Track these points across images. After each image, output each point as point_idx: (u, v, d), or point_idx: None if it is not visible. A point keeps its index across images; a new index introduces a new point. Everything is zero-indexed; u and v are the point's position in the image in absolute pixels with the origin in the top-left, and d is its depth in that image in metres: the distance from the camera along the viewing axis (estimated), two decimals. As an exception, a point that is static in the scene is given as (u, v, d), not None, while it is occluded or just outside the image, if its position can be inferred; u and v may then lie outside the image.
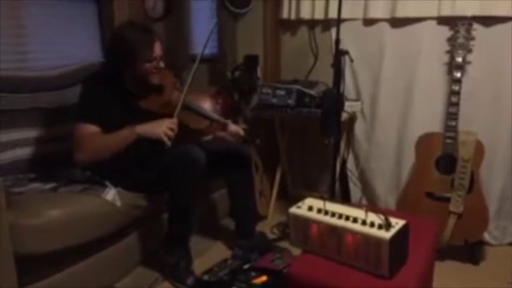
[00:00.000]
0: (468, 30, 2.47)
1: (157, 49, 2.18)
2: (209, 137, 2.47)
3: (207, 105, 2.40)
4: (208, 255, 2.54)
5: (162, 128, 2.10)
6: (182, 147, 2.17)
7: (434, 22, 2.67)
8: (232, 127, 2.39)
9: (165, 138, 2.09)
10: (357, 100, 2.96)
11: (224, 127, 2.38)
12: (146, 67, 2.16)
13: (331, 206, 1.66)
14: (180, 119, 2.21)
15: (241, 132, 2.39)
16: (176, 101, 2.23)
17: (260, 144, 2.50)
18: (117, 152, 2.09)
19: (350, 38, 2.83)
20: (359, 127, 3.02)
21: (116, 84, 2.21)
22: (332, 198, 2.63)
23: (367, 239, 1.51)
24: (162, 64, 2.22)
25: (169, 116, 2.17)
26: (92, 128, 2.09)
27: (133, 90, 2.23)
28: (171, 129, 2.12)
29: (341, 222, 1.58)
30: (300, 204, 1.73)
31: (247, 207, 2.59)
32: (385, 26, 2.82)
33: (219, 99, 2.63)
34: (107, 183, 2.16)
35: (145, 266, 2.35)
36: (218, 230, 2.83)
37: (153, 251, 2.35)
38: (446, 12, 2.58)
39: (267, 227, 2.90)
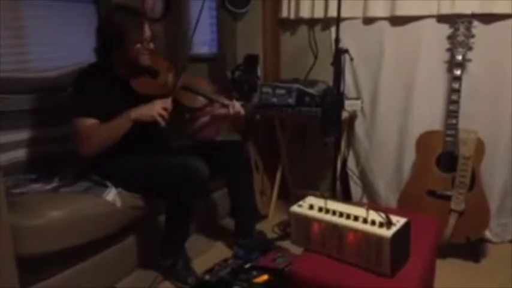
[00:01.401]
0: (468, 28, 2.47)
1: (147, 30, 2.18)
2: (206, 118, 2.43)
3: (204, 86, 2.37)
4: (208, 254, 2.54)
5: (156, 109, 2.08)
6: (185, 159, 2.16)
7: (434, 20, 2.67)
8: (235, 103, 2.33)
9: (160, 119, 2.07)
10: (357, 99, 2.95)
11: (223, 106, 2.33)
12: (136, 48, 2.16)
13: (332, 205, 1.66)
14: (178, 98, 2.20)
15: (242, 111, 2.34)
16: (172, 82, 2.22)
17: (260, 140, 2.47)
18: (117, 140, 2.09)
19: (350, 36, 2.83)
20: (359, 126, 3.02)
21: (109, 72, 2.21)
22: (333, 196, 2.63)
23: (368, 237, 1.50)
24: (151, 45, 2.22)
25: (164, 96, 2.15)
26: (90, 121, 2.09)
27: (126, 74, 2.22)
28: (165, 109, 2.10)
29: (342, 221, 1.58)
30: (301, 203, 1.73)
31: (247, 206, 2.59)
32: (385, 24, 2.82)
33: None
34: (108, 183, 2.16)
35: (145, 267, 2.35)
36: (219, 230, 2.83)
37: (152, 251, 2.35)
38: (446, 10, 2.58)
39: (268, 226, 2.90)
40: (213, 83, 3.21)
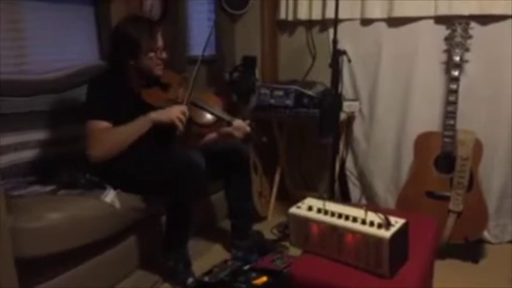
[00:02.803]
0: (465, 29, 2.48)
1: (159, 39, 2.21)
2: (213, 135, 2.45)
3: (211, 102, 2.40)
4: (207, 256, 2.54)
5: (175, 112, 2.14)
6: (183, 153, 2.18)
7: (431, 21, 2.68)
8: (240, 122, 2.38)
9: (178, 123, 2.13)
10: (355, 100, 2.96)
11: (229, 124, 2.37)
12: (149, 57, 2.19)
13: (331, 206, 1.67)
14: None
15: (247, 129, 2.38)
16: (182, 97, 2.26)
17: (266, 142, 2.49)
18: (130, 142, 2.11)
19: (348, 38, 2.84)
20: (357, 127, 3.02)
21: (121, 81, 2.22)
22: (332, 198, 2.63)
23: (367, 238, 1.51)
24: (164, 55, 2.25)
25: None
26: (103, 124, 2.11)
27: (137, 84, 2.24)
28: (183, 113, 2.15)
29: (341, 222, 1.58)
30: (299, 204, 1.73)
31: (245, 208, 2.58)
32: (383, 25, 2.83)
33: (219, 99, 2.63)
34: (106, 185, 2.16)
35: (145, 268, 2.35)
36: (217, 232, 2.83)
37: (152, 253, 2.35)
38: (443, 11, 2.59)
39: (267, 228, 2.90)
40: (211, 84, 3.24)
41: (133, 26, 2.17)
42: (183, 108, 2.18)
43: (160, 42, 2.22)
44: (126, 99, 2.20)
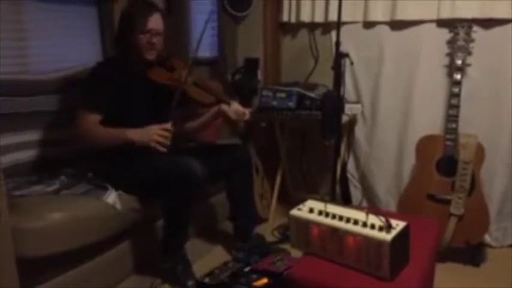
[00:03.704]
0: (468, 33, 2.48)
1: (154, 22, 2.20)
2: (212, 111, 2.47)
3: (214, 85, 2.45)
4: (208, 258, 2.54)
5: (152, 137, 2.07)
6: (183, 160, 2.16)
7: (434, 25, 2.68)
8: (237, 106, 2.39)
9: (157, 145, 2.06)
10: (357, 102, 2.96)
11: (228, 105, 2.40)
12: (139, 38, 2.18)
13: (332, 208, 1.67)
14: (188, 92, 2.25)
15: (247, 115, 2.38)
16: (185, 76, 2.26)
17: (264, 144, 2.50)
18: (108, 147, 2.14)
19: (350, 40, 2.84)
20: (359, 129, 3.02)
21: (123, 62, 2.26)
22: (333, 200, 2.63)
23: (368, 240, 1.51)
24: (155, 40, 2.22)
25: (177, 88, 2.18)
26: (93, 117, 2.13)
27: (138, 65, 2.26)
28: (163, 136, 2.07)
29: (342, 224, 1.58)
30: (300, 206, 1.74)
31: (247, 209, 2.58)
32: (385, 28, 2.83)
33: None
34: (108, 186, 2.16)
35: (144, 270, 2.35)
36: (218, 233, 2.83)
37: (151, 254, 2.35)
38: (446, 14, 2.59)
39: (267, 230, 2.90)
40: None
41: (133, 4, 2.25)
42: (162, 130, 2.08)
43: (153, 25, 2.19)
44: (127, 82, 2.22)
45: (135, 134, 2.11)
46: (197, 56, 2.36)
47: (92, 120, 2.13)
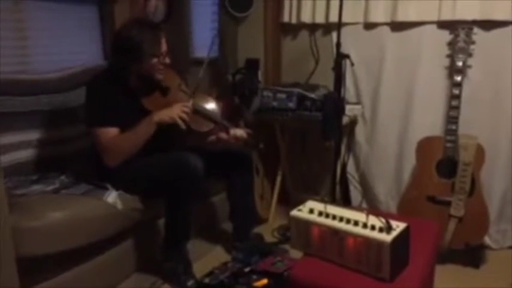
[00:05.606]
0: (468, 35, 2.48)
1: (164, 44, 2.20)
2: (212, 138, 2.46)
3: (212, 107, 2.40)
4: (208, 258, 2.54)
5: (176, 111, 2.15)
6: (180, 155, 2.18)
7: (434, 26, 2.68)
8: (236, 131, 2.39)
9: (180, 121, 2.14)
10: (357, 104, 2.96)
11: (227, 130, 2.38)
12: (153, 63, 2.18)
13: (332, 209, 1.67)
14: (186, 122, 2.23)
15: (245, 136, 2.39)
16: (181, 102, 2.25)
17: (262, 149, 2.50)
18: (141, 146, 2.13)
19: (351, 41, 2.84)
20: (360, 130, 3.02)
21: (120, 84, 2.21)
22: (333, 201, 2.63)
23: (368, 242, 1.51)
24: (167, 60, 2.24)
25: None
26: (112, 131, 2.12)
27: (138, 88, 2.24)
28: (185, 112, 2.16)
29: (342, 225, 1.58)
30: (301, 207, 1.74)
31: (246, 209, 2.59)
32: (386, 30, 2.83)
33: (222, 102, 2.64)
34: (108, 186, 2.17)
35: (145, 270, 2.35)
36: (218, 233, 2.83)
37: (152, 254, 2.35)
38: (446, 16, 2.59)
39: (268, 231, 2.90)
40: (213, 86, 3.24)
41: (137, 31, 2.13)
42: (185, 107, 2.18)
43: (164, 47, 2.20)
44: (125, 102, 2.19)
45: (161, 115, 2.15)
46: (197, 57, 2.33)
47: (112, 132, 2.12)
